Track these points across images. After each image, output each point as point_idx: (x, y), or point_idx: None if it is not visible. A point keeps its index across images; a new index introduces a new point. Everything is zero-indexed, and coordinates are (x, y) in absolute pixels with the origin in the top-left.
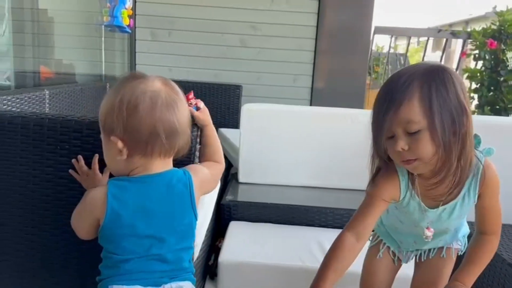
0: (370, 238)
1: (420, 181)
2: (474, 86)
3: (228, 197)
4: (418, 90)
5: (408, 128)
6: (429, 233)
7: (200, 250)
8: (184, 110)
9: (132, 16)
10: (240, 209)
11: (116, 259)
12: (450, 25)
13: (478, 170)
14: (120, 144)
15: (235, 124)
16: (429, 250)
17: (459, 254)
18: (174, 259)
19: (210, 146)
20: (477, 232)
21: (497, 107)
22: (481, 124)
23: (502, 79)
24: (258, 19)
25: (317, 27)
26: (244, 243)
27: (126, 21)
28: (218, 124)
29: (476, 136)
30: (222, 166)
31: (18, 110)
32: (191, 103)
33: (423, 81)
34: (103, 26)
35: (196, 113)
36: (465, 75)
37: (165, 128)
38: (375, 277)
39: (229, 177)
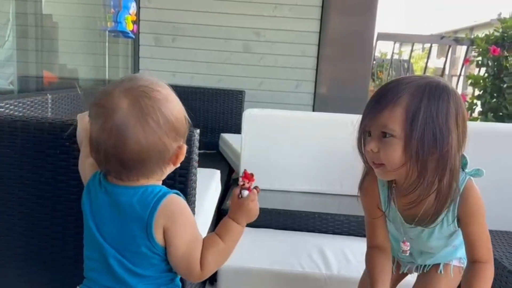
0: None
1: (398, 198)
2: (477, 92)
3: (229, 202)
4: (407, 100)
5: (382, 129)
6: (405, 247)
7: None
8: (148, 134)
9: (136, 22)
10: None
11: None
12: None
13: (456, 196)
14: None
15: (237, 130)
16: (425, 265)
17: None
18: (120, 280)
19: (214, 242)
20: (469, 261)
21: (500, 113)
22: (484, 130)
23: (505, 85)
24: (262, 25)
25: (320, 33)
26: (244, 248)
27: (130, 27)
28: (220, 129)
29: (463, 156)
30: (199, 273)
31: (21, 114)
32: (243, 184)
33: (416, 93)
34: (107, 31)
35: (232, 198)
36: (469, 82)
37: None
38: None
39: (230, 182)
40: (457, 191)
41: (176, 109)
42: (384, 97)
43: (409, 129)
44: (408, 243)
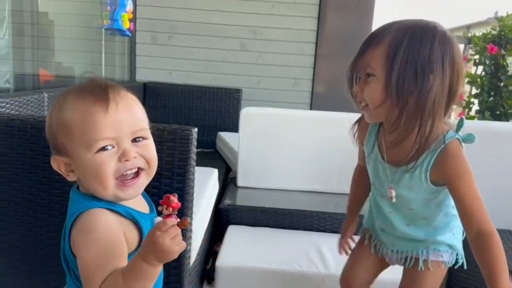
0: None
1: (385, 137)
2: (474, 91)
3: (227, 201)
4: (390, 39)
5: (365, 70)
6: (392, 192)
7: (197, 254)
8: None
9: (133, 20)
10: (238, 213)
11: None
12: (452, 30)
13: (437, 148)
14: None
15: (234, 128)
16: (403, 256)
17: (446, 267)
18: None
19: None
20: (472, 235)
21: (497, 112)
22: (482, 129)
23: (502, 84)
24: (259, 23)
25: (317, 31)
26: (242, 247)
27: (126, 25)
28: (218, 128)
29: (461, 119)
30: None
31: (17, 113)
32: (159, 209)
33: (400, 33)
34: (103, 29)
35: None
36: (466, 80)
37: None
38: (357, 273)
39: (228, 181)
40: (439, 142)
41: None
42: (369, 39)
43: (389, 67)
44: (393, 191)
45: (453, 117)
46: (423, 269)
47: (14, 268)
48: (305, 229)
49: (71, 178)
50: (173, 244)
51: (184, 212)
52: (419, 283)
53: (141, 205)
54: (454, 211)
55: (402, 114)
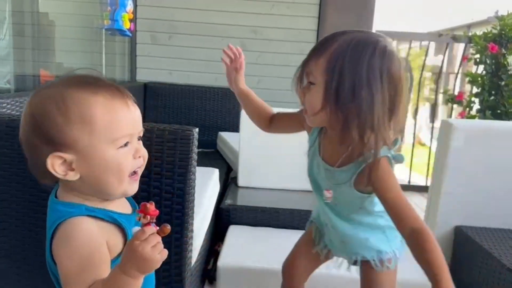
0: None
1: (325, 135)
2: (475, 90)
3: (228, 201)
4: (332, 50)
5: (307, 78)
6: (328, 194)
7: (199, 254)
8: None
9: (133, 20)
10: (239, 213)
11: None
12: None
13: (363, 162)
14: None
15: (235, 128)
16: (350, 258)
17: (392, 265)
18: None
19: None
20: (405, 235)
21: (498, 111)
22: (483, 129)
23: (503, 83)
24: (259, 23)
25: (317, 31)
26: (243, 247)
27: (126, 25)
28: (218, 128)
29: (396, 139)
30: None
31: (18, 113)
32: (139, 218)
33: (343, 45)
34: (103, 29)
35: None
36: (467, 80)
37: None
38: (298, 263)
39: (229, 181)
40: (369, 155)
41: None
42: (318, 46)
43: (329, 78)
44: (331, 191)
45: (454, 117)
46: (362, 274)
47: (15, 268)
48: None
49: (70, 177)
50: (154, 253)
51: (185, 213)
52: (375, 282)
53: (123, 206)
54: (377, 209)
55: (339, 123)
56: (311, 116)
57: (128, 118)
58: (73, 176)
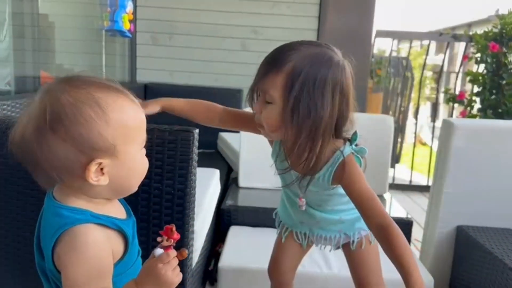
0: (278, 227)
1: (285, 147)
2: (476, 89)
3: (228, 202)
4: (290, 69)
5: (264, 95)
6: (301, 202)
7: (200, 255)
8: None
9: (133, 21)
10: (240, 213)
11: None
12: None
13: (335, 162)
14: None
15: None
16: (333, 240)
17: (373, 242)
18: None
19: None
20: (373, 229)
21: (499, 110)
22: (484, 128)
23: (504, 82)
24: (259, 23)
25: (318, 31)
26: (244, 248)
27: (126, 26)
28: (218, 129)
29: (355, 133)
30: None
31: (18, 115)
32: (161, 240)
33: (300, 62)
34: (103, 30)
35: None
36: (467, 79)
37: None
38: (282, 261)
39: (230, 181)
40: (337, 156)
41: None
42: (272, 62)
43: (286, 97)
44: (304, 199)
45: (455, 116)
46: (354, 248)
47: (17, 271)
48: None
49: (101, 182)
50: (173, 276)
51: (186, 213)
52: (366, 259)
53: (121, 211)
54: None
55: (296, 138)
56: (269, 132)
57: (144, 120)
58: (104, 181)
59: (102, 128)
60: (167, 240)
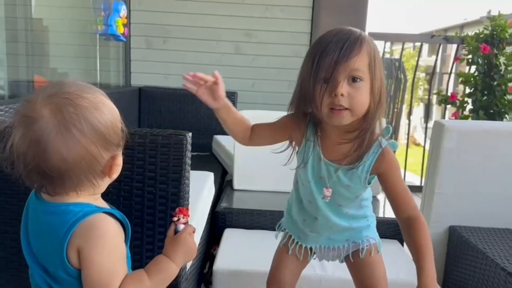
0: (282, 236)
1: (326, 136)
2: (468, 90)
3: (223, 204)
4: (367, 46)
5: (352, 74)
6: (327, 192)
7: (194, 257)
8: (71, 144)
9: (127, 25)
10: (235, 216)
11: None
12: (445, 29)
13: (376, 152)
14: None
15: None
16: (342, 250)
17: (379, 251)
18: None
19: (140, 280)
20: (402, 219)
21: (491, 111)
22: (476, 129)
23: (495, 83)
24: (253, 26)
25: (311, 34)
26: (239, 250)
27: (120, 30)
28: (213, 131)
29: (387, 127)
30: None
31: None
32: (177, 219)
33: (370, 41)
34: (97, 34)
35: (167, 237)
36: (459, 80)
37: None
38: (283, 273)
39: (224, 184)
40: (377, 146)
41: (105, 117)
42: (350, 45)
43: (372, 73)
44: (331, 189)
45: (447, 117)
46: (364, 256)
47: (15, 272)
48: None
49: (114, 175)
50: (195, 245)
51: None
52: (374, 268)
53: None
54: (367, 203)
55: (372, 117)
56: (356, 114)
57: None
58: (116, 174)
59: (118, 126)
60: (183, 218)
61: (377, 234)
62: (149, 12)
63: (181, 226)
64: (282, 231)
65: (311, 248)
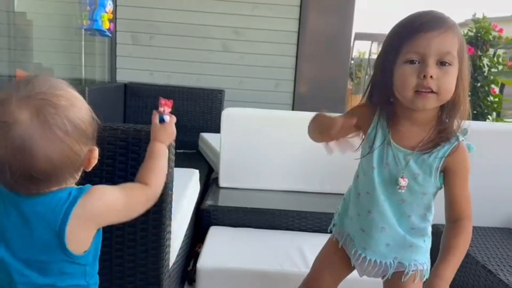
0: (333, 230)
1: (400, 122)
2: None
3: (208, 202)
4: (458, 33)
5: (443, 57)
6: (403, 182)
7: (178, 255)
8: (57, 146)
9: (113, 20)
10: (220, 214)
11: None
12: None
13: (452, 144)
14: None
15: (217, 129)
16: (386, 263)
17: (424, 277)
18: None
19: (147, 163)
20: (450, 221)
21: (475, 112)
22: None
23: (479, 84)
24: (241, 24)
25: (298, 32)
26: (223, 248)
27: (106, 25)
28: (200, 129)
29: (465, 129)
30: (150, 191)
31: None
32: (161, 110)
33: (459, 28)
34: (83, 29)
35: (153, 125)
36: None
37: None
38: (324, 276)
39: (210, 181)
40: (455, 138)
41: (83, 112)
42: (445, 28)
43: (461, 60)
44: (407, 179)
45: None
46: (406, 280)
47: None
48: (286, 228)
49: (93, 165)
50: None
51: (162, 214)
52: None
53: None
54: (431, 218)
55: (453, 101)
56: (443, 99)
57: None
58: (92, 166)
59: (90, 120)
60: (168, 109)
61: (429, 259)
62: (135, 8)
63: (168, 118)
64: (331, 230)
65: (356, 251)
